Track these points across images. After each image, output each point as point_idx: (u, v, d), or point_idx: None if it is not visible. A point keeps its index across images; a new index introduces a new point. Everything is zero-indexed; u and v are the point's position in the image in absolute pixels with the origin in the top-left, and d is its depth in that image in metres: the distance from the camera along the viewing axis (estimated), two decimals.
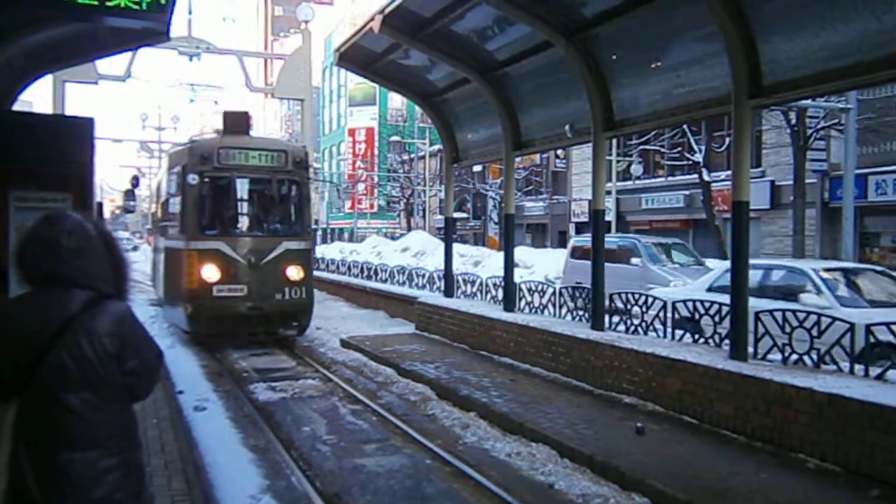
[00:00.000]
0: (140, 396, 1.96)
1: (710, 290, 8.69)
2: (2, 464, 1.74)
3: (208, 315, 9.80)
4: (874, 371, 5.17)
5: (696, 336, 6.83)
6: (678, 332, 7.04)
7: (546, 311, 9.22)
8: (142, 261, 24.81)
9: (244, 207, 10.73)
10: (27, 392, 1.77)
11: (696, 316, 6.91)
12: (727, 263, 8.63)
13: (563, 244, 29.10)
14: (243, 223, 10.65)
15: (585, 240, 13.63)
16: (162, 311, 12.44)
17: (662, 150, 24.08)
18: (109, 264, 1.95)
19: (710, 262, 14.28)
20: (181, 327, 10.60)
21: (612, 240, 13.81)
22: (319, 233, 43.92)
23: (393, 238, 33.41)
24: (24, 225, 4.99)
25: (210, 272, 9.73)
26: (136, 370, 1.87)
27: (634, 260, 13.55)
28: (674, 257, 14.33)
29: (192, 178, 9.76)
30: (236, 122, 10.78)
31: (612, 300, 7.85)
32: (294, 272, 10.20)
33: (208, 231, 10.04)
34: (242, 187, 10.57)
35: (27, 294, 1.89)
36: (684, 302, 7.17)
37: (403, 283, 14.67)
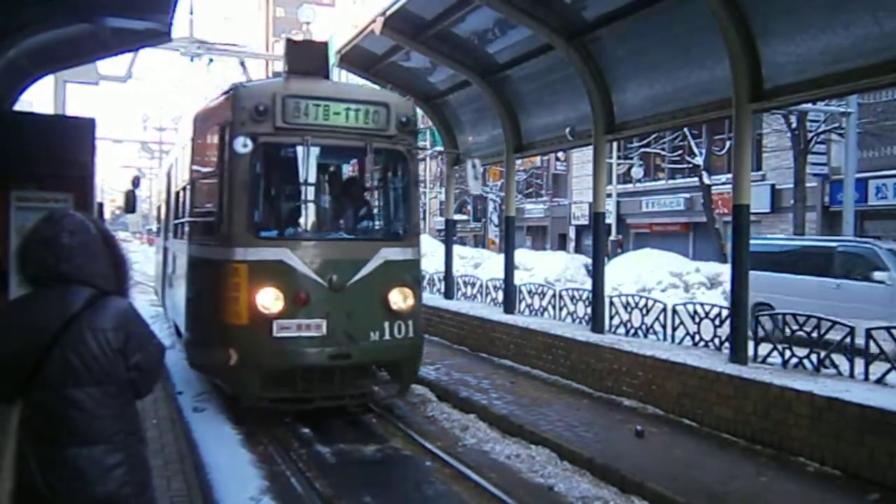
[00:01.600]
0: (144, 392, 1.97)
1: None
2: (8, 461, 1.75)
3: (267, 368, 5.74)
4: (874, 375, 5.17)
5: (696, 338, 6.83)
6: (678, 335, 7.05)
7: (546, 314, 9.22)
8: (142, 261, 24.81)
9: (323, 194, 6.81)
10: (33, 390, 1.78)
11: None
12: None
13: (563, 246, 29.15)
14: (321, 220, 6.47)
15: (770, 244, 10.96)
16: (184, 353, 7.41)
17: (663, 153, 24.10)
18: (110, 262, 1.97)
19: None
20: (222, 387, 6.49)
21: (827, 244, 10.52)
22: None
23: None
24: (24, 225, 5.01)
25: (269, 299, 5.65)
26: (140, 365, 1.89)
27: (879, 275, 9.38)
28: None
29: (243, 145, 5.61)
30: (307, 58, 6.41)
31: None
32: (399, 297, 6.04)
33: (265, 232, 6.06)
34: (320, 162, 6.51)
35: (30, 293, 1.91)
36: None
37: None
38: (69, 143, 5.91)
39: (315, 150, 6.03)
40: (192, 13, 20.31)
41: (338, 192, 6.93)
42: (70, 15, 5.40)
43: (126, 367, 1.86)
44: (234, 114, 5.84)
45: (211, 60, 16.86)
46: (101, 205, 10.06)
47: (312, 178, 6.09)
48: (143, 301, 15.40)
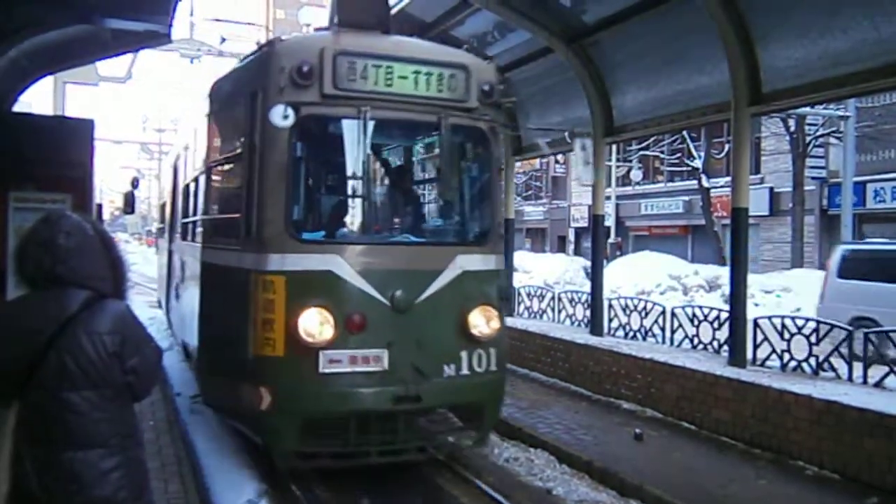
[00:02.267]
0: (141, 395, 1.96)
1: None
2: (5, 463, 1.74)
3: (310, 415, 4.39)
4: (872, 378, 5.17)
5: (695, 341, 6.84)
6: (677, 338, 7.04)
7: (545, 316, 9.21)
8: (140, 262, 24.79)
9: (383, 184, 5.59)
10: (29, 392, 1.78)
11: None
12: None
13: (562, 249, 29.15)
14: (381, 217, 5.10)
15: (875, 248, 9.72)
16: (198, 385, 6.04)
17: (662, 155, 24.14)
18: (108, 264, 1.96)
19: None
20: (249, 435, 4.91)
21: None
22: None
23: None
24: (23, 225, 5.00)
25: (313, 323, 4.27)
26: (136, 368, 1.88)
27: None
28: None
29: (282, 116, 4.28)
30: (363, 7, 4.83)
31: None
32: (481, 319, 4.65)
33: (308, 234, 4.75)
34: (381, 141, 5.46)
35: (27, 295, 1.90)
36: None
37: None
38: (68, 143, 5.91)
39: (374, 126, 4.48)
40: (192, 14, 20.31)
41: (402, 182, 5.42)
42: (70, 16, 5.41)
43: (122, 371, 1.85)
44: (269, 76, 4.36)
45: (192, 60, 16.75)
46: (99, 206, 10.03)
47: (370, 163, 4.61)
48: (141, 303, 15.38)
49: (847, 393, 4.90)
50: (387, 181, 5.57)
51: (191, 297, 6.06)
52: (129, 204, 10.72)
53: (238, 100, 4.92)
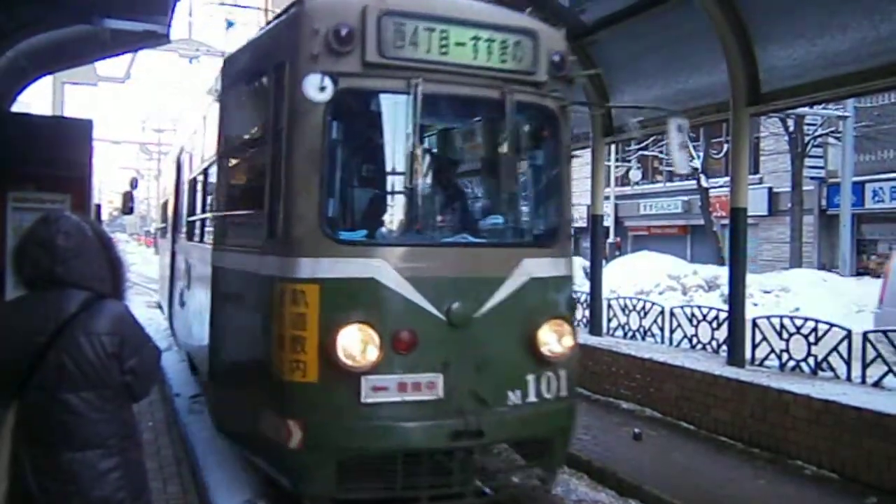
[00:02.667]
0: (139, 396, 1.96)
1: None
2: (4, 463, 1.74)
3: (350, 454, 3.65)
4: (871, 378, 5.18)
5: (694, 341, 6.84)
6: (676, 338, 7.05)
7: None
8: (139, 262, 24.79)
9: (437, 173, 4.50)
10: (27, 393, 1.78)
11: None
12: None
13: None
14: (433, 213, 4.35)
15: None
16: (208, 408, 5.38)
17: (661, 155, 24.16)
18: (107, 265, 1.96)
19: None
20: (273, 475, 4.12)
21: None
22: None
23: None
24: (21, 225, 5.00)
25: (354, 341, 3.54)
26: (135, 369, 1.88)
27: None
28: None
29: (319, 88, 3.51)
30: None
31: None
32: (552, 336, 3.94)
33: (347, 233, 3.95)
34: (434, 121, 4.64)
35: (25, 295, 1.90)
36: None
37: None
38: (67, 144, 5.91)
39: (426, 103, 3.60)
40: (190, 15, 20.28)
41: (458, 171, 4.73)
42: (69, 16, 5.41)
43: (121, 372, 1.85)
44: (300, 42, 3.62)
45: (191, 60, 16.67)
46: (98, 206, 10.02)
47: (421, 148, 3.68)
48: (140, 303, 15.38)
49: (846, 393, 4.90)
50: (439, 170, 4.54)
51: (198, 304, 5.38)
52: (128, 204, 10.70)
53: (259, 74, 4.18)
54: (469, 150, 4.88)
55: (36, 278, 1.88)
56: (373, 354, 3.48)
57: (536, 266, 3.93)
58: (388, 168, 4.04)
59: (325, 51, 3.55)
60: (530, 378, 3.84)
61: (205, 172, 5.54)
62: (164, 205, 10.42)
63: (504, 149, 3.97)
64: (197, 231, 5.91)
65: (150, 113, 48.02)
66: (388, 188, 4.07)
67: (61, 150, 5.79)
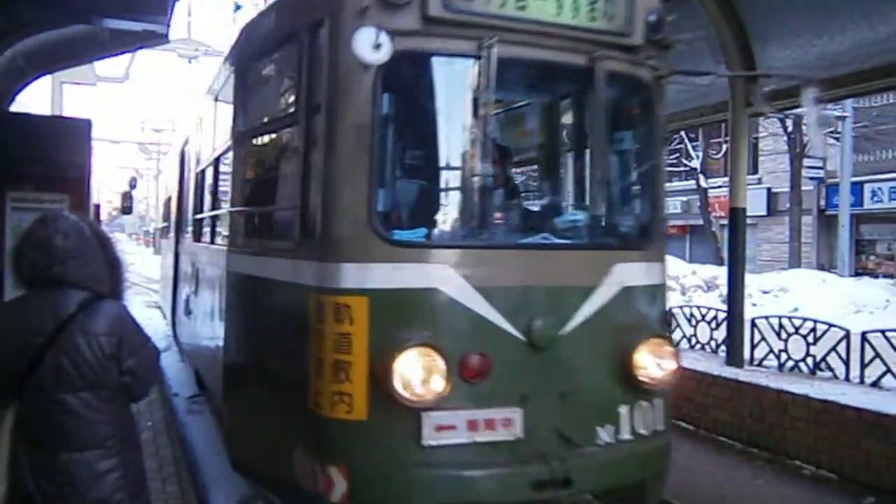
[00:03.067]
0: (138, 396, 1.96)
1: None
2: (3, 464, 1.74)
3: None
4: (870, 378, 5.18)
5: (693, 341, 6.84)
6: (674, 338, 7.04)
7: None
8: (138, 262, 24.78)
9: (510, 160, 3.82)
10: (26, 394, 1.78)
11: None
12: None
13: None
14: (508, 209, 3.58)
15: None
16: (222, 437, 4.42)
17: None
18: (105, 265, 1.96)
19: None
20: None
21: None
22: None
23: None
24: (20, 226, 5.00)
25: (414, 368, 2.74)
26: (133, 369, 1.88)
27: None
28: None
29: (371, 45, 2.67)
30: None
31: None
32: (650, 358, 3.15)
33: (403, 232, 3.05)
34: (509, 92, 4.00)
35: (24, 296, 1.90)
36: None
37: None
38: (65, 144, 5.91)
39: (501, 69, 2.79)
40: (189, 15, 20.29)
41: (538, 156, 4.12)
42: (68, 16, 5.40)
43: (119, 372, 1.85)
44: None
45: (190, 60, 16.59)
46: (97, 206, 10.02)
47: (493, 126, 2.97)
48: (139, 303, 15.37)
49: (844, 393, 4.91)
50: (515, 155, 3.90)
51: (208, 315, 4.71)
52: (127, 204, 10.65)
53: (288, 38, 3.41)
54: (548, 131, 4.02)
55: (34, 278, 1.88)
56: (437, 384, 2.73)
57: (629, 272, 3.19)
58: (453, 151, 3.20)
59: (375, 3, 2.82)
60: (623, 410, 3.12)
61: (216, 163, 4.69)
62: (167, 202, 9.73)
63: (592, 129, 3.28)
64: (206, 231, 5.19)
65: (149, 113, 48.04)
66: (453, 176, 3.21)
67: (60, 150, 5.78)
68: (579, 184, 3.77)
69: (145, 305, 15.02)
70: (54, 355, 1.78)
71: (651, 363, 3.14)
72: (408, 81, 3.18)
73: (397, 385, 2.70)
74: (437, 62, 3.15)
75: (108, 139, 33.85)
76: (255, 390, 3.66)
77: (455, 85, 3.07)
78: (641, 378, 3.11)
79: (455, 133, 3.14)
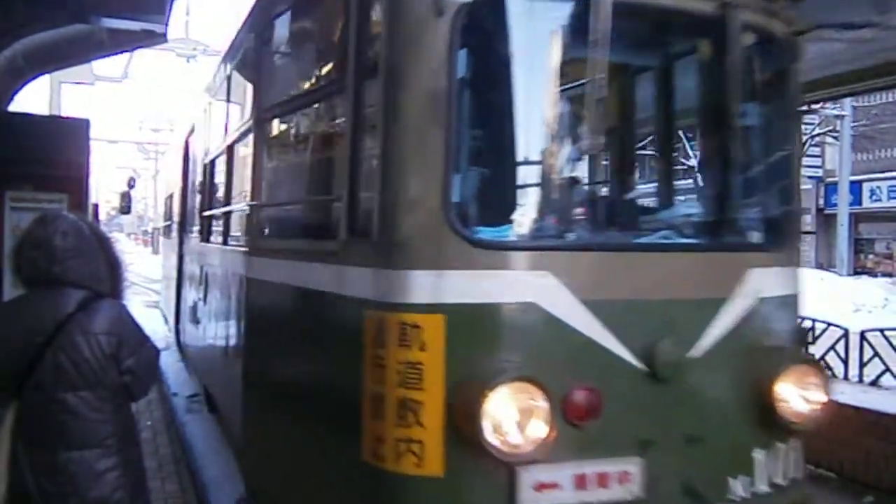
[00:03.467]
0: (138, 395, 1.97)
1: None
2: (3, 463, 1.74)
3: None
4: (868, 377, 5.19)
5: None
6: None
7: None
8: (136, 262, 24.77)
9: (620, 138, 3.33)
10: (25, 393, 1.78)
11: None
12: None
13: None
14: (620, 201, 3.19)
15: None
16: (244, 491, 3.68)
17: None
18: (105, 264, 1.96)
19: None
20: None
21: None
22: None
23: None
24: (19, 225, 5.00)
25: (508, 410, 2.05)
26: (133, 369, 1.88)
27: None
28: None
29: None
30: None
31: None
32: (793, 388, 2.45)
33: (487, 229, 2.27)
34: (620, 54, 2.88)
35: (24, 295, 1.91)
36: None
37: None
38: (64, 143, 5.91)
39: (614, 22, 2.11)
40: (188, 14, 20.28)
41: (655, 133, 3.47)
42: (66, 15, 5.40)
43: (119, 371, 1.86)
44: None
45: (189, 59, 16.60)
46: (96, 206, 10.02)
47: (604, 95, 2.18)
48: (138, 302, 15.37)
49: (843, 392, 4.91)
50: (627, 132, 3.31)
51: (222, 328, 4.10)
52: (126, 204, 10.64)
53: None
54: (664, 101, 3.24)
55: (34, 278, 1.88)
56: (538, 430, 2.09)
57: (765, 279, 2.54)
58: (554, 124, 2.46)
59: None
60: (759, 455, 2.49)
61: (230, 150, 4.03)
62: (168, 199, 9.03)
63: (720, 98, 2.53)
64: (217, 229, 4.58)
65: (148, 112, 48.01)
66: (554, 157, 2.47)
67: (58, 149, 5.78)
68: (709, 168, 2.90)
69: (145, 305, 15.02)
70: (54, 354, 1.78)
71: (795, 396, 2.50)
72: (495, 32, 2.36)
73: (486, 431, 2.03)
74: (533, 7, 2.41)
75: (107, 139, 33.82)
76: (283, 424, 2.96)
77: (555, 38, 2.35)
78: (783, 415, 2.46)
79: (556, 101, 2.44)
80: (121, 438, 1.88)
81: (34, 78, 8.21)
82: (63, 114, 14.52)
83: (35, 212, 2.07)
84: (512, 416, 2.08)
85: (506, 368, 2.12)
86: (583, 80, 2.18)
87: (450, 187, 2.20)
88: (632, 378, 2.25)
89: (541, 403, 2.08)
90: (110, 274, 1.97)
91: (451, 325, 2.13)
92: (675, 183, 3.29)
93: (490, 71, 2.41)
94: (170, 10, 5.49)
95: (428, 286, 2.16)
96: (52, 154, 5.73)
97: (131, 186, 11.74)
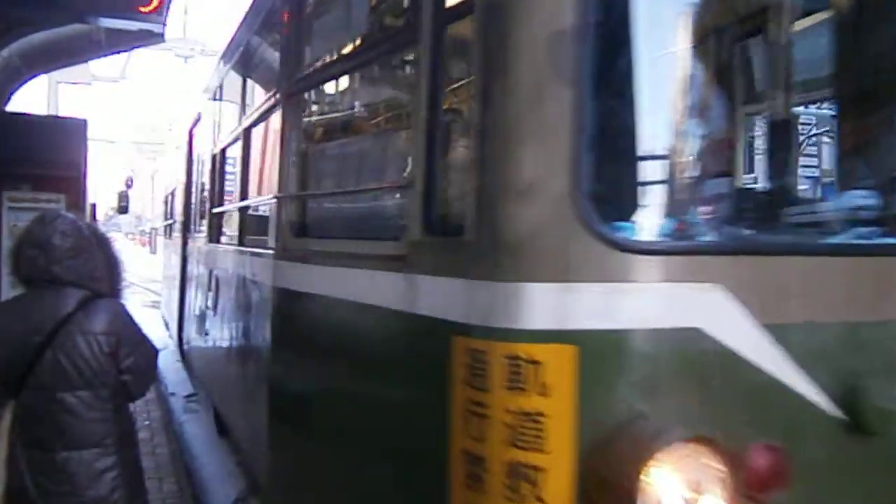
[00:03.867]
0: (136, 395, 1.97)
1: None
2: (0, 464, 1.75)
3: None
4: None
5: None
6: None
7: None
8: (135, 262, 24.74)
9: (812, 104, 2.91)
10: (25, 392, 1.79)
11: None
12: None
13: None
14: (817, 191, 2.88)
15: None
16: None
17: None
18: (104, 264, 1.97)
19: None
20: None
21: None
22: None
23: None
24: (17, 225, 5.00)
25: (673, 482, 1.34)
26: (131, 368, 1.89)
27: None
28: None
29: None
30: None
31: None
32: None
33: (630, 228, 1.53)
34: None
35: (23, 294, 1.91)
36: None
37: None
38: (61, 143, 5.92)
39: None
40: (186, 14, 20.27)
41: (838, 95, 2.68)
42: (64, 15, 5.40)
43: (118, 371, 1.86)
44: None
45: (186, 59, 16.56)
46: (94, 205, 10.02)
47: (788, 59, 2.03)
48: (137, 302, 15.36)
49: None
50: (822, 104, 2.69)
51: (239, 344, 3.55)
52: (124, 204, 10.61)
53: None
54: (852, 59, 2.52)
55: (33, 277, 1.89)
56: None
57: None
58: (723, 86, 2.02)
59: None
60: None
61: (246, 135, 3.44)
62: (170, 196, 8.14)
63: None
64: (231, 229, 3.96)
65: (146, 112, 47.92)
66: (723, 130, 2.03)
67: (56, 149, 5.79)
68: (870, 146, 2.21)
69: (143, 305, 15.01)
70: (53, 354, 1.79)
71: None
72: None
73: None
74: None
75: (104, 139, 33.78)
76: (327, 479, 2.28)
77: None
78: None
79: (726, 56, 1.91)
80: (119, 438, 1.89)
81: (31, 78, 8.21)
82: (61, 114, 14.51)
83: (33, 212, 2.08)
84: (679, 490, 1.44)
85: (664, 421, 1.44)
86: (767, 31, 1.59)
87: (581, 167, 1.50)
88: (827, 431, 1.62)
89: (717, 472, 1.45)
90: (109, 274, 1.98)
91: (587, 360, 1.47)
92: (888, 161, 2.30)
93: (631, 12, 1.65)
94: (167, 9, 5.50)
95: (551, 305, 1.49)
96: (50, 154, 5.73)
97: (129, 186, 11.74)
